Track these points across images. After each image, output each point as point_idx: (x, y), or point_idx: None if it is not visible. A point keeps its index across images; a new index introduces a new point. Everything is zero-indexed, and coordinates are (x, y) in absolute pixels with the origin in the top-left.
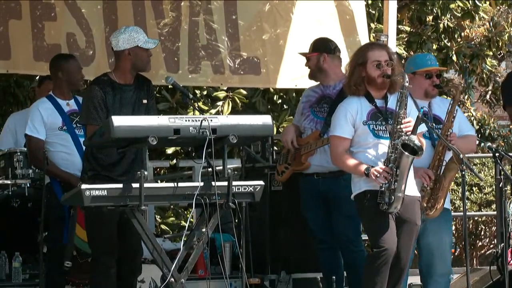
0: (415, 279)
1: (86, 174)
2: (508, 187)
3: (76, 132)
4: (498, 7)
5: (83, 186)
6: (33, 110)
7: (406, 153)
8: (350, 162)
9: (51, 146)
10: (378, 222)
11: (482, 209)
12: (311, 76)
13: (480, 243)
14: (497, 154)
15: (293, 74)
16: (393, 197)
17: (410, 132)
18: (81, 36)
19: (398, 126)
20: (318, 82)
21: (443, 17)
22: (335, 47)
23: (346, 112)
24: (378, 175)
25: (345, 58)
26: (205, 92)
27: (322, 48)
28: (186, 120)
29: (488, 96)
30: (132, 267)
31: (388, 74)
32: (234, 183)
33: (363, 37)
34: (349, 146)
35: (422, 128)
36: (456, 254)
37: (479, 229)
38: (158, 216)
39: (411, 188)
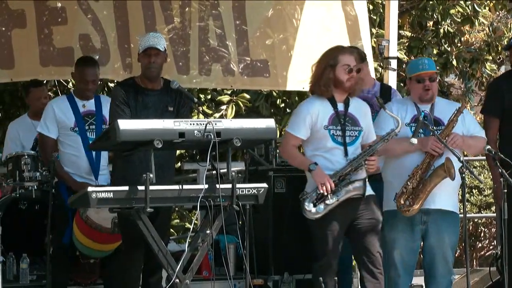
0: (416, 280)
1: (112, 177)
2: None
3: (88, 135)
4: (497, 13)
5: (90, 189)
6: (47, 107)
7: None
8: (298, 156)
9: (62, 145)
10: None
11: (482, 211)
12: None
13: (480, 245)
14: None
15: (301, 77)
16: (321, 206)
17: (411, 136)
18: (96, 37)
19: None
20: None
21: (443, 22)
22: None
23: (307, 115)
24: (324, 187)
25: None
26: (209, 96)
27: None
28: (191, 124)
29: None
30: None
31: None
32: (238, 185)
33: (366, 43)
34: (299, 143)
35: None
36: (456, 255)
37: (479, 230)
38: None
39: (368, 188)
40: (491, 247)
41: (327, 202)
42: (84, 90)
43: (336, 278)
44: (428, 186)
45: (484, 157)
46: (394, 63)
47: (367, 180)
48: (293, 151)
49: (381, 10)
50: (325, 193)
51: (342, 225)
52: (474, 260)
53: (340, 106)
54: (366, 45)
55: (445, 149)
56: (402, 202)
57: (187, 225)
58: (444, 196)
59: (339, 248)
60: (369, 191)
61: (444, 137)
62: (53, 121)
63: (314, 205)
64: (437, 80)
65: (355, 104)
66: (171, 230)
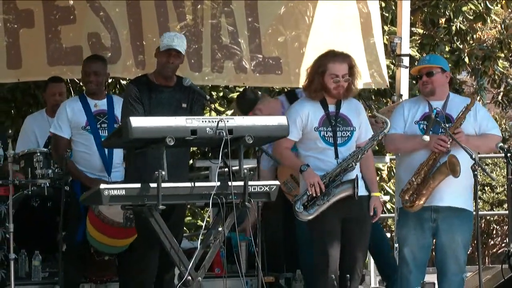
0: (429, 277)
1: (126, 175)
2: None
3: (99, 133)
4: (509, 10)
5: (102, 186)
6: (61, 108)
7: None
8: (290, 157)
9: (75, 145)
10: None
11: (494, 209)
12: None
13: (492, 242)
14: (509, 155)
15: None
16: (312, 208)
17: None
18: (106, 35)
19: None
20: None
21: (455, 19)
22: None
23: (297, 117)
24: (313, 188)
25: (363, 60)
26: (221, 94)
27: None
28: (203, 121)
29: (500, 97)
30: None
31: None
32: (250, 183)
33: (378, 40)
34: (291, 145)
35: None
36: (468, 252)
37: (491, 228)
38: None
39: (361, 188)
40: (503, 245)
41: (318, 203)
42: (87, 82)
43: (333, 276)
44: (431, 183)
45: (497, 155)
46: (406, 61)
47: (359, 180)
48: (286, 152)
49: (393, 8)
50: (314, 194)
51: (334, 225)
52: (486, 258)
53: (332, 108)
54: (378, 42)
55: (457, 147)
56: (406, 198)
57: (199, 222)
58: (454, 193)
59: (332, 247)
60: (362, 191)
61: (452, 131)
62: (66, 121)
63: (305, 207)
64: (441, 75)
65: (348, 104)
66: (184, 227)
